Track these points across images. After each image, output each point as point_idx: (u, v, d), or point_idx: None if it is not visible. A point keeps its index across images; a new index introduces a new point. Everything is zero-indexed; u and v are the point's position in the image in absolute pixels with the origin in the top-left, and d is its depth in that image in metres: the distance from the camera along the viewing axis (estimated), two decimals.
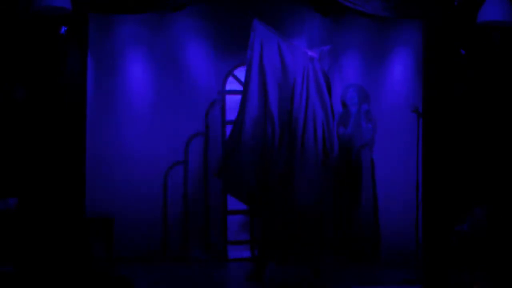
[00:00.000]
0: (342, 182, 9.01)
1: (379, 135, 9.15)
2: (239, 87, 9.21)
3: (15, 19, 7.49)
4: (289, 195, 8.43)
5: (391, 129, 9.09)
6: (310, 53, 8.68)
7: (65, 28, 7.38)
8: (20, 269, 7.02)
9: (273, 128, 8.52)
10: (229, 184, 8.64)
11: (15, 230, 7.27)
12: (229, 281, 8.27)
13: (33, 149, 7.50)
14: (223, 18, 9.23)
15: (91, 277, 6.98)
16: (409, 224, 8.13)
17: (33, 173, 7.43)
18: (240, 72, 9.21)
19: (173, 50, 9.22)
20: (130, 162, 8.94)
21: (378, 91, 9.27)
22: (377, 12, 7.91)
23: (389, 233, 8.97)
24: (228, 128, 8.98)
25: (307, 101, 8.57)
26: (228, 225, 9.22)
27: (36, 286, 6.78)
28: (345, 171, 9.06)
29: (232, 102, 9.25)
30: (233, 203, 9.03)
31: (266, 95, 8.53)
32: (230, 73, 9.40)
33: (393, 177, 9.01)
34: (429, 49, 7.88)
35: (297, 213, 8.39)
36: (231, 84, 9.41)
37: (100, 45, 8.84)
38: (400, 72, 9.21)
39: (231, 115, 9.16)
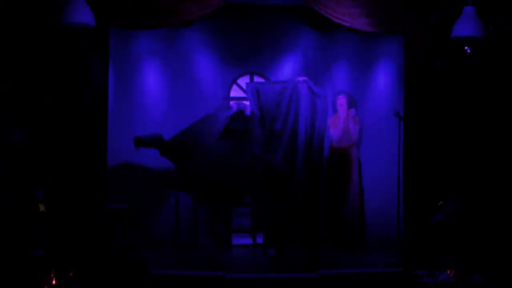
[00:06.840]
0: (333, 177, 9.21)
1: (365, 136, 9.48)
2: (241, 94, 9.77)
3: (45, 32, 7.83)
4: (285, 190, 8.59)
5: (375, 130, 9.42)
6: (300, 79, 8.79)
7: (90, 42, 7.77)
8: (51, 254, 7.36)
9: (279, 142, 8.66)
10: None
11: (44, 220, 7.58)
12: (231, 262, 8.46)
13: (61, 148, 7.84)
14: (228, 33, 9.72)
15: (112, 258, 7.71)
16: (392, 214, 8.37)
17: (60, 169, 7.80)
18: (243, 81, 9.77)
19: (184, 60, 9.68)
20: (145, 160, 9.23)
21: (364, 97, 9.61)
22: (364, 28, 8.27)
23: (374, 222, 9.30)
24: None
25: (297, 113, 8.68)
26: (232, 215, 9.54)
27: (64, 269, 7.06)
28: (335, 168, 9.31)
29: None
30: None
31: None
32: (234, 81, 9.95)
33: (377, 173, 9.34)
34: (409, 60, 8.26)
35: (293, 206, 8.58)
36: (235, 91, 9.96)
37: (120, 56, 9.21)
38: (383, 80, 9.54)
39: None
